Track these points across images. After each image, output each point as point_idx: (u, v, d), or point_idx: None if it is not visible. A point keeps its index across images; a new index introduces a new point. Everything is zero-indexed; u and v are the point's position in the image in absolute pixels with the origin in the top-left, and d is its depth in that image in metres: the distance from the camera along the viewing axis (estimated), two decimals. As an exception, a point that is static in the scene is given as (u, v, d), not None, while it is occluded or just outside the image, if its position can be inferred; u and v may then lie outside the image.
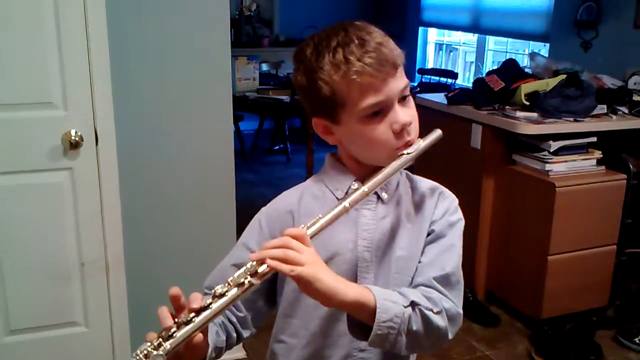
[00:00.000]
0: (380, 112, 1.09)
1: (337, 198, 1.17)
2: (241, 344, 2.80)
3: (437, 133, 1.16)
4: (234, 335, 1.21)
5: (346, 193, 1.17)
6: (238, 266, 1.19)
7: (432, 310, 1.07)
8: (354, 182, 1.17)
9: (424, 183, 1.24)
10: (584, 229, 3.09)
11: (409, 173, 1.25)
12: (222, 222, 2.68)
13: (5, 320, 2.39)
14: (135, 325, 2.56)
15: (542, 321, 3.12)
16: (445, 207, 1.20)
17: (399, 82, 1.10)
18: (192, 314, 0.96)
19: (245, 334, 1.23)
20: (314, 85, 1.10)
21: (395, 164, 1.11)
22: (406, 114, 1.11)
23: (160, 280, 2.60)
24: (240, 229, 2.70)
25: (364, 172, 1.16)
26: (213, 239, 2.66)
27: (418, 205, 1.20)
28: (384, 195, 1.19)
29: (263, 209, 1.26)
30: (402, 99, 1.12)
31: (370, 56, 1.06)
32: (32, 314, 2.42)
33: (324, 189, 1.21)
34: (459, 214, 1.21)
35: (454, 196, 1.23)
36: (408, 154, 1.11)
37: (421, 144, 1.13)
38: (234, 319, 1.21)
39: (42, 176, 2.31)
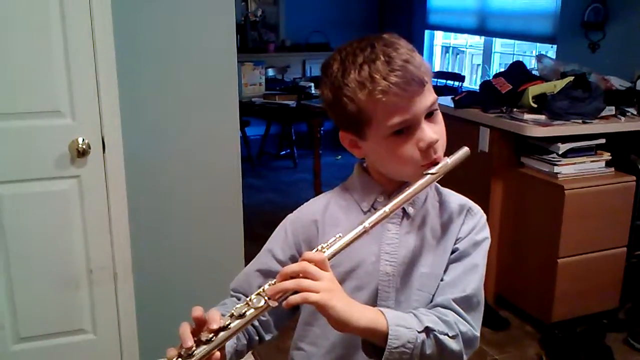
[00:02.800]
0: (406, 130, 1.08)
1: (362, 210, 1.17)
2: (251, 351, 2.80)
3: (464, 150, 1.14)
4: (256, 338, 1.22)
5: (372, 206, 1.17)
6: (262, 272, 1.20)
7: (447, 334, 1.06)
8: (379, 196, 1.17)
9: (453, 198, 1.22)
10: (593, 231, 3.07)
11: (438, 186, 1.22)
12: (230, 228, 2.68)
13: (14, 328, 2.39)
14: (144, 332, 2.57)
15: (553, 324, 3.10)
16: (472, 225, 1.18)
17: (426, 99, 1.08)
18: (211, 335, 0.97)
19: (268, 336, 1.24)
20: (339, 101, 1.09)
21: (419, 183, 1.08)
22: (433, 130, 1.09)
23: (168, 286, 2.61)
24: (247, 234, 2.72)
25: (391, 186, 1.15)
26: (220, 244, 2.67)
27: (445, 222, 1.18)
28: (410, 210, 1.17)
29: (289, 216, 1.26)
30: (429, 115, 1.10)
31: (396, 75, 1.04)
32: (41, 322, 2.43)
33: (350, 199, 1.21)
34: (486, 233, 1.19)
35: (482, 213, 1.21)
36: (433, 173, 1.09)
37: (447, 162, 1.10)
38: (256, 323, 1.22)
39: (49, 184, 2.32)
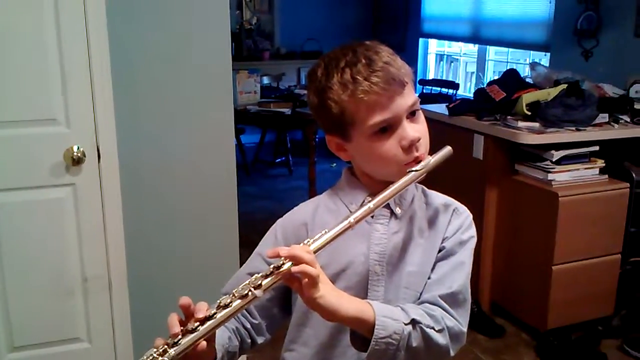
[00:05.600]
0: (388, 128, 1.11)
1: (350, 212, 1.18)
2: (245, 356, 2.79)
3: (447, 149, 1.16)
4: (248, 341, 1.24)
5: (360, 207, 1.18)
6: (252, 275, 1.21)
7: (433, 328, 1.09)
8: (367, 197, 1.18)
9: (439, 199, 1.25)
10: (588, 238, 3.08)
11: (425, 188, 1.26)
12: (225, 236, 2.68)
13: (8, 336, 2.38)
14: (138, 341, 2.56)
15: (548, 331, 3.10)
16: (458, 224, 1.21)
17: (407, 99, 1.12)
18: (197, 323, 0.98)
19: (260, 340, 1.26)
20: (324, 104, 1.13)
21: (402, 180, 1.11)
22: (415, 129, 1.13)
23: (163, 295, 2.59)
24: (242, 242, 2.71)
25: (377, 187, 1.16)
26: (216, 252, 2.66)
27: (432, 222, 1.21)
28: (398, 211, 1.20)
29: (279, 220, 1.29)
30: (412, 115, 1.14)
31: (377, 75, 1.09)
32: (36, 330, 2.42)
33: (339, 202, 1.23)
34: (472, 231, 1.22)
35: (468, 212, 1.24)
36: (417, 170, 1.12)
37: (430, 160, 1.13)
38: (248, 325, 1.24)
39: (44, 192, 2.32)
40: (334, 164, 6.18)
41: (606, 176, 3.18)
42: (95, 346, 2.51)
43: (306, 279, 0.99)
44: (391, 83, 1.09)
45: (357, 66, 1.10)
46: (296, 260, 0.99)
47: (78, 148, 2.29)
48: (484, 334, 3.22)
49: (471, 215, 1.24)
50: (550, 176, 3.04)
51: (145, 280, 2.56)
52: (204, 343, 0.99)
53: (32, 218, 2.33)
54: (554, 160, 3.04)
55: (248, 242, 2.70)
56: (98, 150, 2.34)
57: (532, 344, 3.16)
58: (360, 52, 1.12)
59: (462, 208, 1.24)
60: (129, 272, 2.50)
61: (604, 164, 3.17)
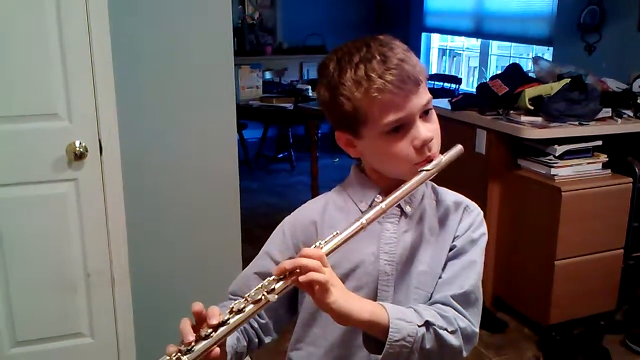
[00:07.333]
0: (401, 128, 1.09)
1: (360, 210, 1.17)
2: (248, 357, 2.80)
3: (458, 148, 1.15)
4: (256, 340, 1.23)
5: (370, 205, 1.17)
6: (260, 275, 1.20)
7: (446, 329, 1.07)
8: (377, 195, 1.17)
9: (449, 196, 1.23)
10: (590, 233, 3.08)
11: (435, 185, 1.24)
12: (227, 231, 2.67)
13: (11, 331, 2.39)
14: (141, 336, 2.56)
15: (550, 327, 3.10)
16: (469, 222, 1.19)
17: (421, 98, 1.10)
18: (210, 330, 0.97)
19: (267, 339, 1.25)
20: (336, 100, 1.11)
21: (414, 180, 1.10)
22: (427, 129, 1.11)
23: (166, 290, 2.60)
24: (245, 237, 2.71)
25: (387, 185, 1.15)
26: (218, 247, 2.66)
27: (442, 220, 1.20)
28: (408, 209, 1.18)
29: (286, 218, 1.27)
30: (425, 114, 1.12)
31: (392, 73, 1.06)
32: (38, 326, 2.42)
33: (348, 200, 1.21)
34: (483, 229, 1.20)
35: (479, 210, 1.22)
36: (428, 170, 1.10)
37: (442, 159, 1.12)
38: (255, 325, 1.23)
39: (47, 187, 2.32)
40: (337, 159, 6.18)
41: (609, 171, 3.17)
42: (97, 341, 2.52)
43: (317, 286, 0.97)
44: (406, 81, 1.06)
45: (372, 63, 1.06)
46: (302, 269, 0.97)
47: (80, 143, 2.29)
48: (486, 329, 3.21)
49: (482, 213, 1.22)
50: (553, 171, 3.03)
51: (147, 275, 2.56)
52: (217, 349, 0.98)
53: (35, 213, 2.33)
54: (556, 155, 3.03)
55: (250, 237, 2.70)
56: (100, 145, 2.34)
57: (535, 338, 3.16)
58: (374, 48, 1.08)
59: (473, 205, 1.23)
60: (132, 267, 2.50)
61: (607, 159, 3.16)
